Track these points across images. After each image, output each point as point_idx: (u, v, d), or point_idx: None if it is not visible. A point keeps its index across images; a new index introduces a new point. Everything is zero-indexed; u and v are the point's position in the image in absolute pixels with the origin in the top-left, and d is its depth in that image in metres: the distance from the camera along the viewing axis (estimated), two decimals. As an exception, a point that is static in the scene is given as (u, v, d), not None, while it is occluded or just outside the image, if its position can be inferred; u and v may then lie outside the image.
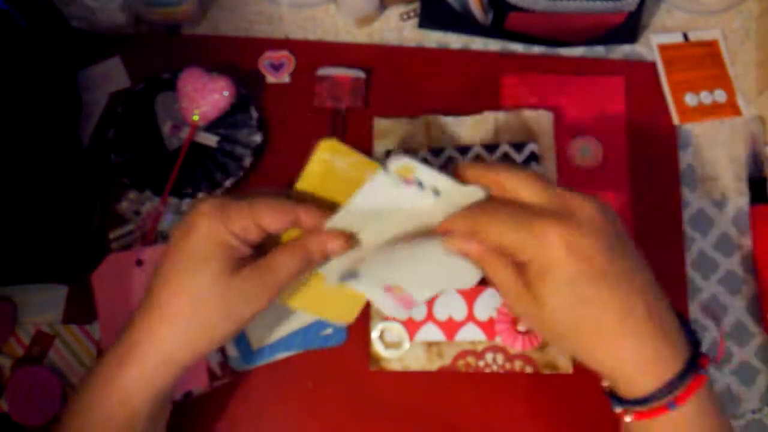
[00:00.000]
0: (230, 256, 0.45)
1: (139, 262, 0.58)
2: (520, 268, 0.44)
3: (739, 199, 0.63)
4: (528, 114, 0.63)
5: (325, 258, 0.47)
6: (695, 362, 0.43)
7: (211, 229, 0.44)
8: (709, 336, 0.60)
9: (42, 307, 0.59)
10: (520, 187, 0.44)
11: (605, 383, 0.46)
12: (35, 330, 0.59)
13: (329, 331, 0.58)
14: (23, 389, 0.56)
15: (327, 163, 0.45)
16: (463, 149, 0.61)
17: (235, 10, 0.68)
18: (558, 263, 0.42)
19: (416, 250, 0.47)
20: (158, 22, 0.67)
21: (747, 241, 0.62)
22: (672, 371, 0.42)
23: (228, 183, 0.60)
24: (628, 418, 0.43)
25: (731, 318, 0.61)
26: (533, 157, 0.61)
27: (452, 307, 0.58)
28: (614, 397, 0.44)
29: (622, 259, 0.42)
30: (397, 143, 0.62)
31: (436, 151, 0.61)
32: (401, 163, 0.43)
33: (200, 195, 0.60)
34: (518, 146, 0.61)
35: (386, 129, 0.63)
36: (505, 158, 0.61)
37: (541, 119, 0.62)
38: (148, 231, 0.59)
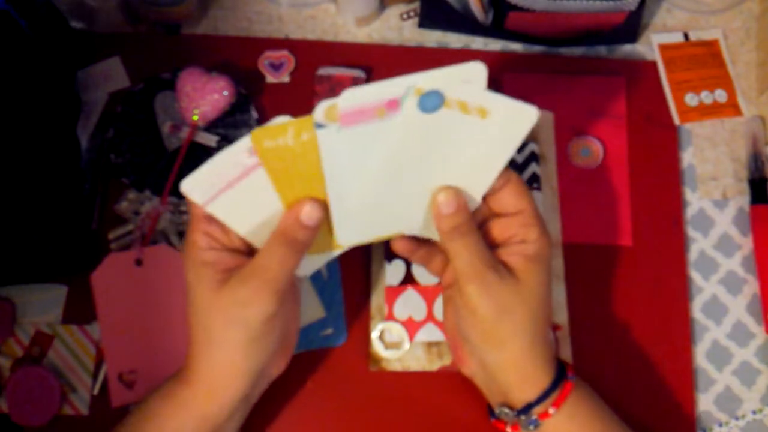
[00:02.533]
0: (215, 272, 0.45)
1: (139, 262, 0.58)
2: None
3: (739, 199, 0.63)
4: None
5: (307, 229, 0.45)
6: (563, 372, 0.50)
7: (188, 255, 0.46)
8: (709, 336, 0.60)
9: (41, 307, 0.59)
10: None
11: (494, 403, 0.51)
12: (35, 330, 0.59)
13: (329, 331, 0.58)
14: (22, 389, 0.56)
15: (273, 151, 0.42)
16: None
17: (234, 10, 0.68)
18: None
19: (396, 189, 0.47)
20: (158, 21, 0.67)
21: (747, 242, 0.62)
22: (548, 379, 0.48)
23: (228, 183, 0.60)
24: (551, 410, 0.48)
25: (731, 318, 0.61)
26: (533, 158, 0.61)
27: None
28: (521, 411, 0.49)
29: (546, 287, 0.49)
30: None
31: None
32: (322, 107, 0.40)
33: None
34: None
35: None
36: None
37: (541, 119, 0.62)
38: (147, 231, 0.59)
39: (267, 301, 0.44)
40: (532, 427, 0.48)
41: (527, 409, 0.48)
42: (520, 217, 0.48)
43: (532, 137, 0.62)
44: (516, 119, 0.44)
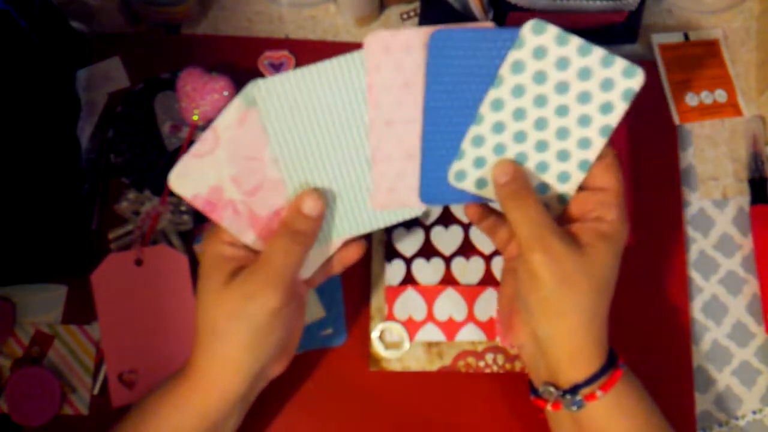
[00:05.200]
0: (229, 266, 0.46)
1: (139, 262, 0.58)
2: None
3: (739, 199, 0.63)
4: None
5: (312, 220, 0.46)
6: (615, 358, 0.49)
7: (207, 247, 0.47)
8: (709, 336, 0.60)
9: (41, 307, 0.59)
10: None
11: (538, 380, 0.50)
12: (34, 330, 0.59)
13: (329, 331, 0.58)
14: (22, 389, 0.56)
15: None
16: None
17: (235, 10, 0.68)
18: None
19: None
20: (158, 21, 0.67)
21: (747, 242, 0.62)
22: (600, 362, 0.47)
23: (228, 183, 0.60)
24: (598, 392, 0.47)
25: (731, 318, 0.61)
26: None
27: (452, 308, 0.58)
28: (551, 388, 0.48)
29: (614, 269, 0.48)
30: None
31: None
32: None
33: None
34: None
35: None
36: None
37: None
38: (147, 231, 0.59)
39: (272, 295, 0.45)
40: (575, 408, 0.47)
41: (575, 389, 0.47)
42: (602, 195, 0.48)
43: None
44: (619, 80, 0.46)
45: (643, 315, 0.60)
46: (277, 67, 0.65)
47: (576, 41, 0.45)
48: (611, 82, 0.46)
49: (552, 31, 0.45)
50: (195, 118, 0.60)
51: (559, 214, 0.49)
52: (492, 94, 0.46)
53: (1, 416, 0.57)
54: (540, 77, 0.46)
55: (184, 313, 0.57)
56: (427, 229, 0.59)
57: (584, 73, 0.46)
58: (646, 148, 0.63)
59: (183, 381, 0.47)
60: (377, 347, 0.57)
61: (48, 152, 0.56)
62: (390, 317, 0.58)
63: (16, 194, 0.53)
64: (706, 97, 0.66)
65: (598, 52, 0.46)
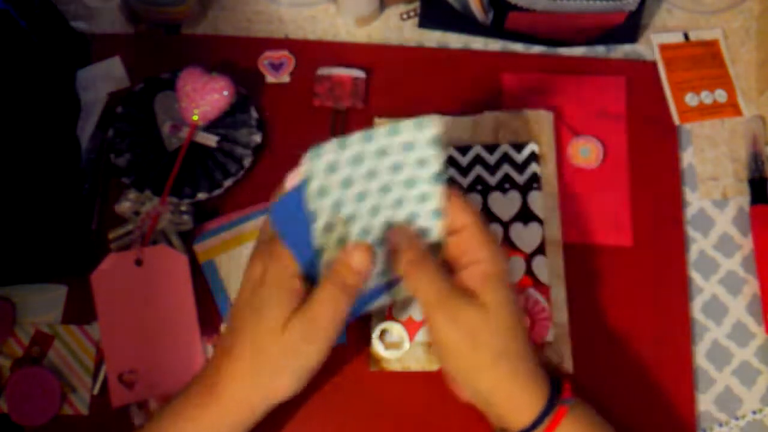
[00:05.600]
0: (293, 302, 0.47)
1: (139, 262, 0.58)
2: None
3: (739, 199, 0.63)
4: (528, 114, 0.62)
5: (359, 275, 0.47)
6: (557, 396, 0.49)
7: (274, 273, 0.47)
8: (709, 336, 0.60)
9: (41, 307, 0.59)
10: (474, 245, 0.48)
11: (496, 427, 0.50)
12: (34, 330, 0.59)
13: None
14: (22, 390, 0.56)
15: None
16: (464, 149, 0.61)
17: (234, 10, 0.68)
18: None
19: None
20: (158, 21, 0.67)
21: (747, 242, 0.62)
22: (541, 403, 0.48)
23: (228, 183, 0.60)
24: None
25: (731, 318, 0.61)
26: (533, 158, 0.61)
27: None
28: None
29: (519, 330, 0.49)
30: None
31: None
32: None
33: (200, 195, 0.60)
34: (518, 146, 0.61)
35: None
36: (505, 158, 0.61)
37: (541, 119, 0.62)
38: (147, 231, 0.59)
39: (325, 341, 0.47)
40: None
41: None
42: (467, 234, 0.48)
43: (533, 137, 0.62)
44: (416, 136, 0.46)
45: (642, 315, 0.60)
46: (277, 67, 0.65)
47: (355, 137, 0.45)
48: (410, 144, 0.46)
49: (329, 146, 0.44)
50: (195, 118, 0.60)
51: (440, 263, 0.49)
52: (319, 221, 0.46)
53: (1, 416, 0.57)
54: (346, 183, 0.46)
55: (183, 314, 0.57)
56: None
57: (381, 152, 0.46)
58: (646, 148, 0.63)
59: (212, 399, 0.48)
60: (377, 347, 0.57)
61: (48, 152, 0.56)
62: (390, 317, 0.58)
63: (17, 194, 0.53)
64: (706, 97, 0.66)
65: (380, 131, 0.45)
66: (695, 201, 0.63)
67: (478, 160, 0.61)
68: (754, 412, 0.59)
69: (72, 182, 0.59)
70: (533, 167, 0.61)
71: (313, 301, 0.47)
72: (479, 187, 0.61)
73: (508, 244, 0.59)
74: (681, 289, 0.60)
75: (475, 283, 0.47)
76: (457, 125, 0.62)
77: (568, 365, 0.57)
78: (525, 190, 0.60)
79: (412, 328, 0.58)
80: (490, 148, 0.61)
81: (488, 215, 0.60)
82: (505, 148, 0.61)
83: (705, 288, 0.61)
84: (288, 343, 0.46)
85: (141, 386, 0.57)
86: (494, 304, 0.47)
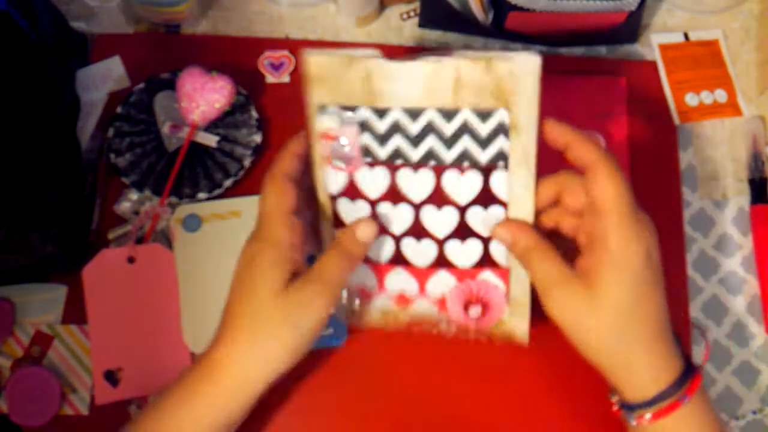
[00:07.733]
0: (289, 270, 0.47)
1: (131, 260, 0.58)
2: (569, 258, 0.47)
3: (739, 199, 0.63)
4: (502, 67, 0.45)
5: (363, 246, 0.49)
6: (690, 362, 0.48)
7: (271, 247, 0.47)
8: (709, 336, 0.60)
9: (41, 307, 0.59)
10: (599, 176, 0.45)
11: (614, 398, 0.49)
12: (34, 330, 0.59)
13: (329, 331, 0.58)
14: (22, 390, 0.56)
15: None
16: (413, 112, 0.47)
17: (235, 10, 0.68)
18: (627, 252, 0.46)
19: None
20: (158, 21, 0.67)
21: (747, 242, 0.62)
22: (678, 371, 0.46)
23: (228, 183, 0.60)
24: (647, 415, 0.46)
25: (731, 318, 0.61)
26: (501, 129, 0.47)
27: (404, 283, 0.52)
28: (626, 406, 0.47)
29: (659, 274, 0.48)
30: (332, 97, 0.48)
31: (380, 112, 0.48)
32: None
33: (200, 195, 0.60)
34: (483, 114, 0.47)
35: (322, 72, 0.47)
36: (466, 129, 0.47)
37: (521, 72, 0.45)
38: (147, 231, 0.59)
39: (323, 305, 0.47)
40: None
41: (658, 399, 0.46)
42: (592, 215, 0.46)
43: (503, 102, 0.46)
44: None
45: (643, 315, 0.59)
46: (277, 67, 0.65)
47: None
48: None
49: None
50: (195, 118, 0.60)
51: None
52: None
53: (1, 416, 0.57)
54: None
55: (173, 313, 0.57)
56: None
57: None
58: (646, 148, 0.63)
59: (206, 381, 0.47)
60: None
61: (48, 152, 0.56)
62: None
63: (17, 194, 0.53)
64: (706, 97, 0.66)
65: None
66: (695, 201, 0.63)
67: (430, 128, 0.48)
68: (754, 412, 0.59)
69: (72, 182, 0.59)
70: (500, 142, 0.47)
71: (319, 262, 0.48)
72: (432, 163, 0.48)
73: (463, 228, 0.50)
74: (681, 289, 0.60)
75: (598, 270, 0.45)
76: (405, 75, 0.47)
77: (523, 338, 0.52)
78: (487, 170, 0.48)
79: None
80: (448, 115, 0.47)
81: (440, 197, 0.49)
82: (465, 115, 0.47)
83: (705, 288, 0.61)
84: (283, 309, 0.46)
85: (126, 385, 0.56)
86: (614, 296, 0.45)
